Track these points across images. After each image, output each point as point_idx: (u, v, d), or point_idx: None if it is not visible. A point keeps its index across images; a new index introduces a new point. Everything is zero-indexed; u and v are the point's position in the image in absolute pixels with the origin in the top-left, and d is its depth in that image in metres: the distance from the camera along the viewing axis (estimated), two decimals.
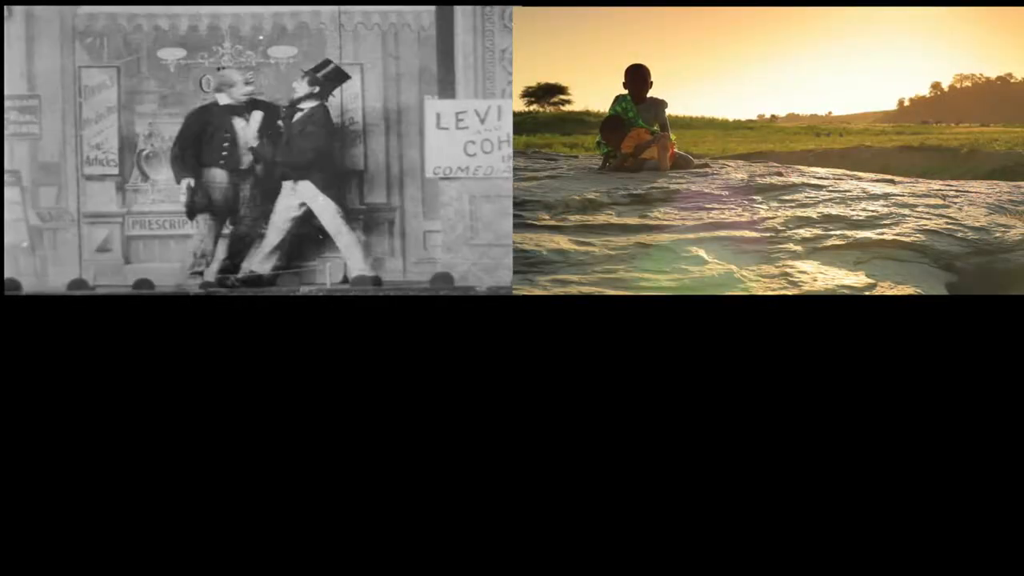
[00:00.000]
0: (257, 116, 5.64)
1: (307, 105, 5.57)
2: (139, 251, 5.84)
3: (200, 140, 5.59)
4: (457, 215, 5.63)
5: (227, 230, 5.67)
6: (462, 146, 5.61)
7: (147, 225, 5.81)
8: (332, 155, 5.65)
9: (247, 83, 5.66)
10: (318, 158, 5.53)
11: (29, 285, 5.61)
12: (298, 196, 5.57)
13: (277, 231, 5.58)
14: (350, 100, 5.86)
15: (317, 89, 5.55)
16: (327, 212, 5.56)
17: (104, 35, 5.81)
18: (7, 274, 5.55)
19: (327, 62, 5.63)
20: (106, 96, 5.81)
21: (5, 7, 5.67)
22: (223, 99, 5.62)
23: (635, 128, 6.35)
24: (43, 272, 5.77)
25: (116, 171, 5.81)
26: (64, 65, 5.79)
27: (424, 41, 5.86)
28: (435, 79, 5.85)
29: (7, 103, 5.73)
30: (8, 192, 5.70)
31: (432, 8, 5.83)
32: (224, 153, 5.61)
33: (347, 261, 5.60)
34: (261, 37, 5.83)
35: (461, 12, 5.79)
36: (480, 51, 5.81)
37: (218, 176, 5.60)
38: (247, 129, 5.63)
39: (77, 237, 5.80)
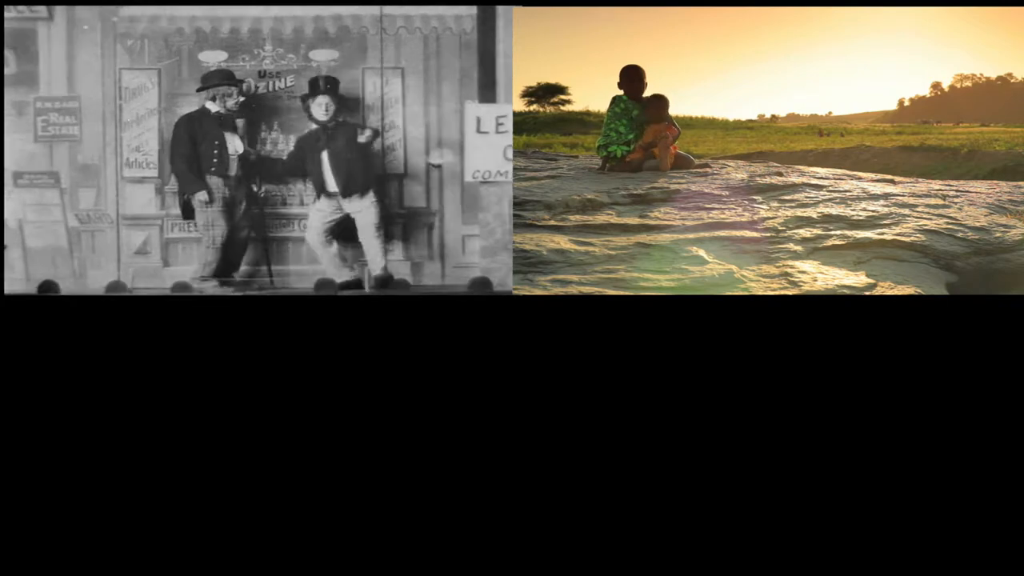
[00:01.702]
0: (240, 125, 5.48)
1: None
2: (178, 254, 5.66)
3: (194, 147, 5.39)
4: (496, 220, 5.38)
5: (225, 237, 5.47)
6: (502, 150, 5.38)
7: (186, 228, 5.62)
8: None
9: (241, 94, 5.46)
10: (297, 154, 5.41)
11: (67, 287, 5.47)
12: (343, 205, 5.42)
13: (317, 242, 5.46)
14: (390, 104, 5.66)
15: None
16: (367, 214, 5.38)
17: (145, 37, 5.64)
18: (45, 276, 5.42)
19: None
20: (146, 98, 5.63)
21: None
22: (213, 107, 5.41)
23: (658, 123, 6.15)
24: (81, 274, 5.61)
25: (156, 173, 5.63)
26: (105, 67, 5.61)
27: (466, 45, 5.64)
28: (475, 83, 5.63)
29: (47, 104, 5.59)
30: (47, 194, 5.56)
31: (473, 12, 5.62)
32: (215, 161, 5.41)
33: (369, 262, 5.40)
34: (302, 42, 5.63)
35: (503, 16, 5.55)
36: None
37: (213, 183, 5.40)
38: (235, 138, 5.44)
39: (116, 239, 5.64)
